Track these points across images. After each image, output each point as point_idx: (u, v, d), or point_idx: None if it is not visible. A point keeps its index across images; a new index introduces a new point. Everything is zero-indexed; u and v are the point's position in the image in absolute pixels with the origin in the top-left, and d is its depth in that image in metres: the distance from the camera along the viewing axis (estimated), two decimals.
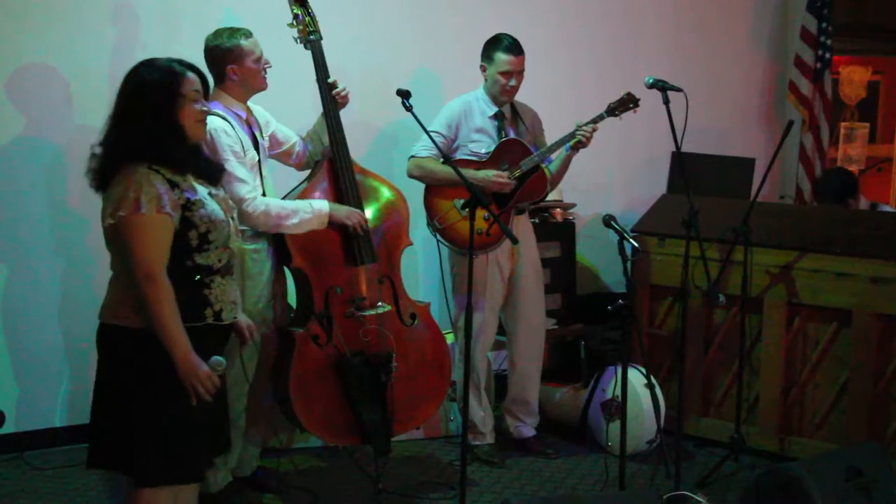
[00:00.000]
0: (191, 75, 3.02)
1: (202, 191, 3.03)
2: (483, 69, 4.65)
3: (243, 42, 3.96)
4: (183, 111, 2.98)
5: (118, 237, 2.90)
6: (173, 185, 2.92)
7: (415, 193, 4.60)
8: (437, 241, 4.59)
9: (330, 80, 4.17)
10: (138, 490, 2.99)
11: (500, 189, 4.54)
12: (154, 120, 2.94)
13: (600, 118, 4.57)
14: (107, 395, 3.00)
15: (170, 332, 2.87)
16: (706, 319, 4.97)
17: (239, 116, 4.00)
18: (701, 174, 5.25)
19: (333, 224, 4.05)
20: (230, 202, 3.17)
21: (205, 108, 3.07)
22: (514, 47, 4.59)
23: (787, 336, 4.72)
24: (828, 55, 6.67)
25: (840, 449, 4.17)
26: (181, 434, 2.96)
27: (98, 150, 2.98)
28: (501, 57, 4.56)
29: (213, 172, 3.13)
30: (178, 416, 2.93)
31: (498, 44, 4.60)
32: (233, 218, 3.13)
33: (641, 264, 4.99)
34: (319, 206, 4.04)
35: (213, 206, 3.02)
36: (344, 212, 4.07)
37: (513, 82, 4.60)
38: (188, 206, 2.95)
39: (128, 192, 2.86)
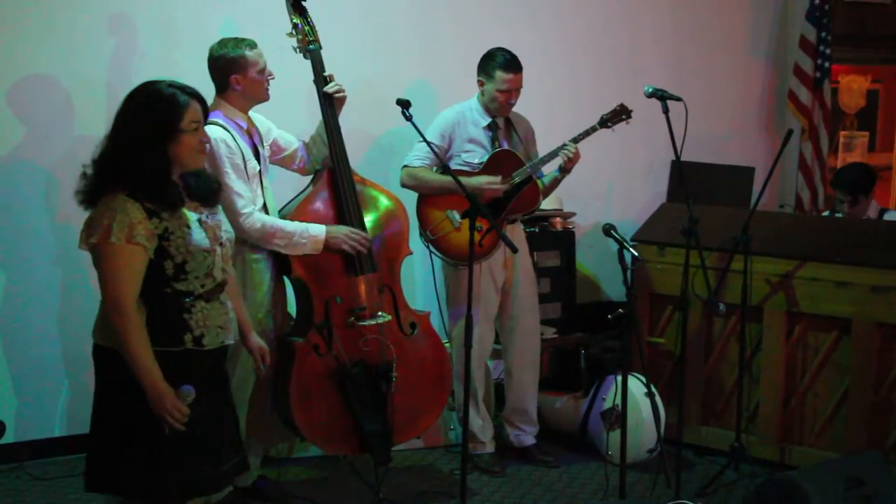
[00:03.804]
0: (194, 105, 2.93)
1: (192, 217, 2.98)
2: (480, 84, 4.64)
3: (248, 52, 3.97)
4: (178, 145, 2.91)
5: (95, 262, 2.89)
6: (151, 214, 2.87)
7: (413, 202, 4.60)
8: (430, 251, 4.59)
9: (326, 74, 4.18)
10: None
11: (492, 195, 4.55)
12: (145, 151, 2.87)
13: (593, 129, 4.60)
14: (101, 415, 3.00)
15: (138, 361, 2.84)
16: (706, 328, 4.96)
17: (240, 126, 4.01)
18: (700, 183, 5.25)
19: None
20: (219, 231, 3.08)
21: (204, 139, 3.02)
22: (513, 65, 4.56)
23: (787, 345, 4.71)
24: (827, 64, 6.68)
25: (841, 457, 4.17)
26: (173, 452, 2.93)
27: (89, 170, 2.92)
28: (500, 75, 4.54)
29: (209, 193, 3.07)
30: (169, 435, 2.91)
31: (496, 61, 4.56)
32: (221, 245, 3.06)
33: (641, 273, 4.99)
34: (316, 231, 4.02)
35: (197, 236, 2.96)
36: (342, 236, 4.05)
37: (511, 100, 4.61)
38: (165, 236, 2.89)
39: (101, 219, 2.83)
